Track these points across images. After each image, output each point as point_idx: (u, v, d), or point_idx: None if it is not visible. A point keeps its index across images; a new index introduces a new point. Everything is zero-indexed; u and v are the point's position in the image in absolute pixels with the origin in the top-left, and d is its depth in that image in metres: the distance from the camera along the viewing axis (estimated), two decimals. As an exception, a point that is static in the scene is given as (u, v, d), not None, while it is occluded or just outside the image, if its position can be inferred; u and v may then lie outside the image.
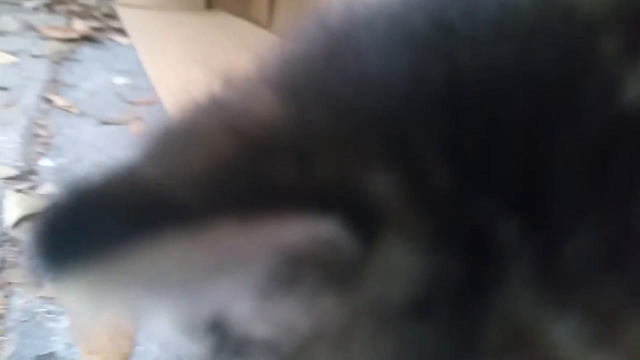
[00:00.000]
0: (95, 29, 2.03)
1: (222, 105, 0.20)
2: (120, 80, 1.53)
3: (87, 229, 0.15)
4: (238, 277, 0.18)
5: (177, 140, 0.19)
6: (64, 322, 0.62)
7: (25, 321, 0.62)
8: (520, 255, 0.16)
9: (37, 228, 0.15)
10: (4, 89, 1.34)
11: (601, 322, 0.15)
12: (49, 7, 2.38)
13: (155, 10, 2.32)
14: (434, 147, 0.17)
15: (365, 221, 0.16)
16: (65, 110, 1.27)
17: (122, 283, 0.16)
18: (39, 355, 0.58)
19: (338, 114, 0.18)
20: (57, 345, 0.60)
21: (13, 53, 1.63)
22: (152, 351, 0.60)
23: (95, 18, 2.22)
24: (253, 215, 0.15)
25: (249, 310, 0.19)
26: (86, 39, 1.91)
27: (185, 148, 0.18)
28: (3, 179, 0.90)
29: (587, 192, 0.16)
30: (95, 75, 1.56)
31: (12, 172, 0.93)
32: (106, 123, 1.22)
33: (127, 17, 2.18)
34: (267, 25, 2.09)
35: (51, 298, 0.66)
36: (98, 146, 1.10)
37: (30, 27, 1.99)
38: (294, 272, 0.18)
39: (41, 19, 2.14)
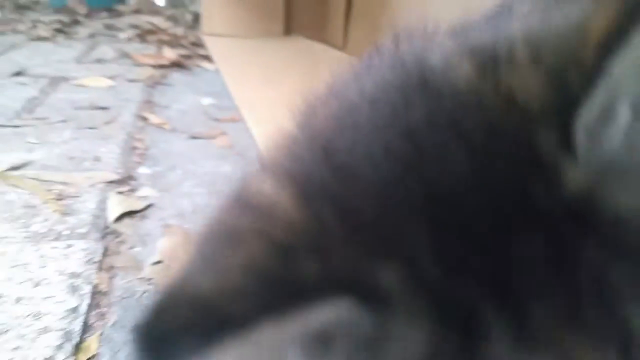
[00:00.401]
0: (183, 56, 2.19)
1: (253, 209, 0.23)
2: (207, 100, 1.65)
3: (167, 345, 0.19)
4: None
5: (218, 246, 0.23)
6: (160, 300, 0.71)
7: (125, 298, 0.71)
8: (500, 325, 0.20)
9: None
10: (104, 108, 1.48)
11: None
12: (141, 37, 2.58)
13: (238, 37, 2.46)
14: (423, 241, 0.21)
15: (376, 302, 0.20)
16: (159, 126, 1.39)
17: None
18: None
19: (343, 214, 0.22)
20: (155, 318, 0.68)
21: (110, 78, 1.80)
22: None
23: (183, 46, 2.38)
24: (288, 312, 0.19)
25: None
26: (176, 65, 2.07)
27: (225, 255, 0.22)
28: (106, 182, 1.01)
29: (546, 270, 0.20)
30: (185, 97, 1.69)
31: (114, 177, 1.04)
32: (195, 137, 1.33)
33: (213, 45, 2.33)
34: (342, 47, 2.17)
35: (149, 279, 0.74)
36: (188, 156, 1.20)
37: (125, 55, 2.17)
38: (326, 348, 0.21)
39: (135, 48, 2.34)
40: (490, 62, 0.22)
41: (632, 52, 0.19)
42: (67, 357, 0.58)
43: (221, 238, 0.23)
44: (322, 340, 0.21)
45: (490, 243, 0.21)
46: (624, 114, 0.21)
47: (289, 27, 2.52)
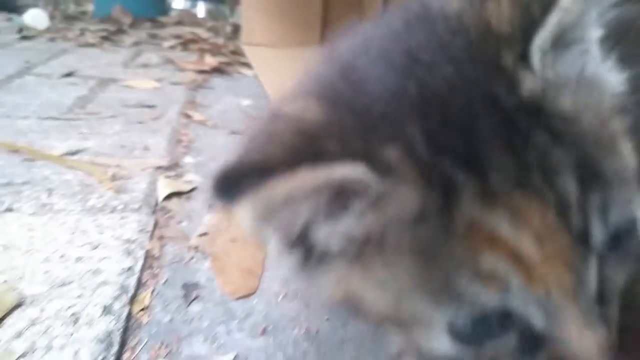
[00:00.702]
0: (224, 63, 2.28)
1: (286, 114, 0.32)
2: (245, 102, 1.73)
3: (232, 187, 0.27)
4: (315, 204, 0.30)
5: (261, 137, 0.31)
6: (205, 264, 0.77)
7: (175, 262, 0.77)
8: (469, 188, 0.28)
9: (218, 179, 0.27)
10: (151, 106, 1.57)
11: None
12: (184, 46, 2.70)
13: (275, 47, 2.55)
14: (417, 130, 0.29)
15: (382, 171, 0.28)
16: (202, 123, 1.47)
17: (264, 209, 0.29)
18: (185, 283, 0.72)
19: (357, 112, 0.30)
20: (200, 278, 0.74)
21: (156, 80, 1.90)
22: (272, 288, 0.73)
23: (223, 54, 2.48)
24: (317, 166, 0.27)
25: (324, 230, 0.32)
26: (216, 71, 2.16)
27: (268, 142, 0.30)
28: (155, 168, 1.08)
29: (504, 148, 0.28)
30: (225, 98, 1.77)
31: (162, 163, 1.11)
32: (235, 133, 1.41)
33: (251, 53, 2.42)
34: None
35: (195, 247, 0.81)
36: (229, 149, 1.27)
37: (169, 61, 2.28)
38: (345, 201, 0.30)
39: (177, 55, 2.44)
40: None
41: (558, 15, 0.28)
42: (123, 307, 0.65)
43: (262, 133, 0.31)
44: (341, 195, 0.29)
45: (465, 130, 0.29)
46: (568, 39, 0.29)
47: (325, 38, 2.60)
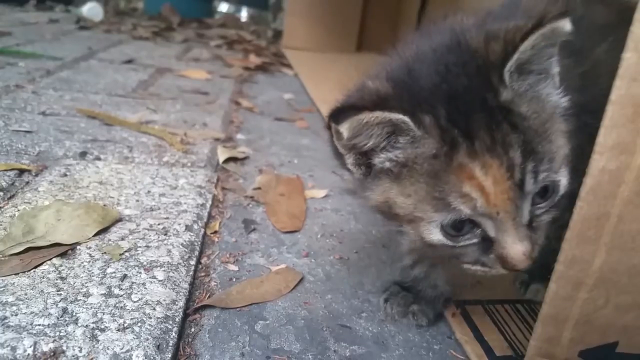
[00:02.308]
0: (266, 62, 2.48)
1: (366, 89, 0.53)
2: (287, 95, 1.93)
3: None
4: (380, 134, 0.51)
5: (355, 95, 0.54)
6: (260, 209, 0.96)
7: (235, 205, 0.96)
8: (462, 141, 0.48)
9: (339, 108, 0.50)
10: (204, 93, 1.78)
11: None
12: (229, 45, 2.91)
13: (314, 51, 2.76)
14: (441, 106, 0.50)
15: (419, 124, 0.49)
16: (249, 110, 1.66)
17: (354, 128, 0.50)
18: (245, 219, 0.91)
19: (411, 95, 0.51)
20: (256, 218, 0.92)
21: (208, 72, 2.11)
22: (313, 229, 0.91)
23: (266, 55, 2.69)
24: (384, 111, 0.49)
25: (382, 156, 0.53)
26: (260, 68, 2.36)
27: (359, 97, 0.53)
28: (214, 139, 1.28)
29: (486, 124, 0.49)
30: (269, 92, 1.97)
31: (220, 135, 1.31)
32: (279, 119, 1.60)
33: (292, 55, 2.63)
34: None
35: (250, 197, 1.00)
36: (274, 131, 1.46)
37: (217, 58, 2.49)
38: (396, 138, 0.51)
39: (224, 53, 2.65)
40: (489, 39, 0.51)
41: (529, 41, 0.48)
42: (200, 228, 0.84)
43: (354, 93, 0.54)
44: (394, 134, 0.50)
45: (467, 115, 0.49)
46: (527, 69, 0.51)
47: (361, 45, 2.81)
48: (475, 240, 0.52)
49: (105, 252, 0.72)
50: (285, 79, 2.29)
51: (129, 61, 2.14)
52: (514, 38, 0.48)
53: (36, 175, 0.95)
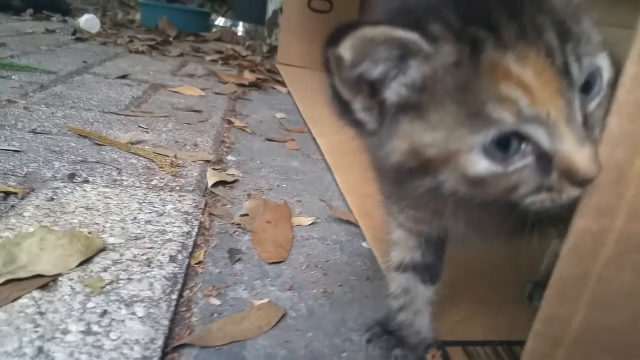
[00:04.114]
0: (261, 79, 2.49)
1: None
2: (280, 115, 1.93)
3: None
4: (387, 58, 0.44)
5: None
6: (246, 237, 0.96)
7: (222, 233, 0.96)
8: (486, 40, 0.41)
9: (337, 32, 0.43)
10: (198, 111, 1.78)
11: None
12: (224, 61, 2.91)
13: (308, 69, 2.77)
14: (451, 13, 0.43)
15: (429, 37, 0.43)
16: (242, 129, 1.66)
17: (357, 46, 0.43)
18: (231, 249, 0.90)
19: (411, 13, 0.45)
20: (242, 247, 0.92)
21: (201, 89, 2.11)
22: (298, 260, 0.91)
23: (260, 72, 2.70)
24: (389, 28, 0.43)
25: (394, 87, 0.45)
26: (254, 85, 2.37)
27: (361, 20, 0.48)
28: (204, 161, 1.28)
29: (507, 15, 0.42)
30: (262, 110, 1.97)
31: (210, 158, 1.31)
32: (270, 140, 1.60)
33: (286, 72, 2.64)
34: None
35: (238, 224, 0.99)
36: (265, 153, 1.47)
37: (212, 74, 2.49)
38: (406, 61, 0.44)
39: (219, 69, 2.66)
40: None
41: None
42: (184, 258, 0.83)
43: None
44: (404, 57, 0.44)
45: (483, 8, 0.43)
46: None
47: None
48: (529, 160, 0.42)
49: (87, 285, 0.72)
50: (278, 96, 2.30)
51: (124, 76, 2.14)
52: None
53: (22, 198, 0.94)
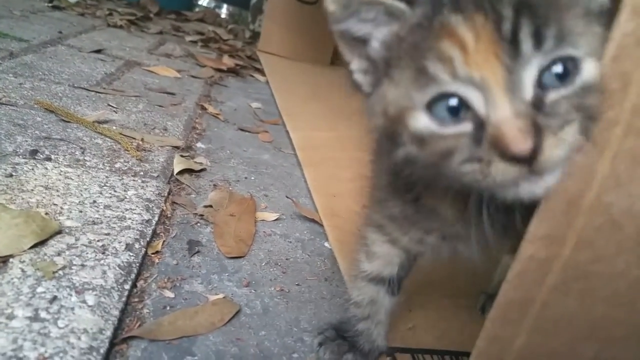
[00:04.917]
0: (239, 65, 2.46)
1: None
2: (255, 104, 1.92)
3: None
4: (372, 11, 0.46)
5: None
6: (207, 229, 0.95)
7: (183, 223, 0.95)
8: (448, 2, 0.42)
9: None
10: (171, 93, 1.75)
11: None
12: (204, 43, 2.88)
13: (289, 59, 2.75)
14: None
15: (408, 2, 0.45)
16: (214, 116, 1.65)
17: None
18: (190, 240, 0.89)
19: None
20: (202, 239, 0.91)
21: (177, 71, 2.08)
22: (258, 256, 0.91)
23: (240, 57, 2.67)
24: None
25: (376, 40, 0.48)
26: (232, 71, 2.34)
27: None
28: (172, 146, 1.26)
29: None
30: (237, 98, 1.96)
31: (178, 144, 1.29)
32: (243, 130, 1.59)
33: (266, 60, 2.61)
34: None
35: (200, 215, 0.99)
36: (236, 142, 1.45)
37: (190, 55, 2.46)
38: (390, 16, 0.46)
39: (198, 51, 2.62)
40: None
41: None
42: (141, 247, 0.82)
43: None
44: (389, 11, 0.46)
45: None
46: None
47: (336, 59, 2.81)
48: (467, 127, 0.42)
49: (38, 269, 0.70)
50: (256, 85, 2.28)
51: (99, 50, 2.09)
52: None
53: (-21, 172, 0.92)
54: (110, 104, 1.48)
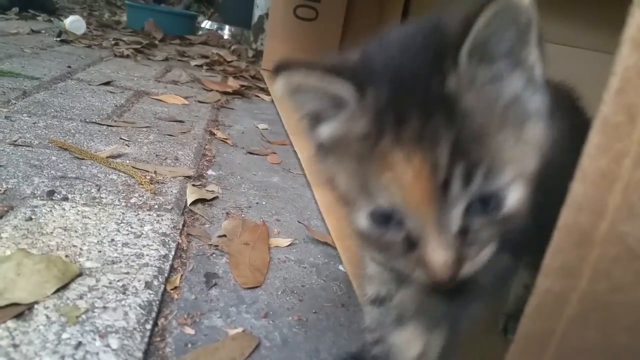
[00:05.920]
0: (244, 86, 2.49)
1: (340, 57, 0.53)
2: (262, 125, 1.94)
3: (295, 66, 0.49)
4: (320, 100, 0.49)
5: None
6: (223, 260, 0.96)
7: (199, 255, 0.96)
8: (393, 128, 0.44)
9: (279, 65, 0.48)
10: (180, 121, 1.78)
11: None
12: (209, 66, 2.91)
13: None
14: (385, 92, 0.46)
15: (360, 99, 0.47)
16: (223, 141, 1.67)
17: (290, 86, 0.49)
18: (207, 273, 0.91)
19: (370, 68, 0.48)
20: (219, 270, 0.93)
21: (185, 97, 2.10)
22: (274, 284, 0.92)
23: (245, 78, 2.69)
24: (326, 75, 0.47)
25: (325, 129, 0.51)
26: (238, 93, 2.37)
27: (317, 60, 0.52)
28: (184, 176, 1.28)
29: (428, 106, 0.44)
30: (244, 120, 1.98)
31: (190, 173, 1.31)
32: (251, 153, 1.61)
33: (270, 79, 2.64)
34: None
35: (215, 246, 1.00)
36: (245, 167, 1.47)
37: (196, 80, 2.48)
38: (338, 105, 0.49)
39: (203, 75, 2.65)
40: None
41: (483, 18, 0.43)
42: (160, 284, 0.84)
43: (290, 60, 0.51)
44: (336, 105, 0.48)
45: (408, 99, 0.45)
46: (487, 55, 0.46)
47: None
48: (401, 237, 0.47)
49: (62, 314, 0.72)
50: (261, 105, 2.30)
51: (107, 83, 2.12)
52: (470, 16, 0.43)
53: (1, 217, 0.94)
54: (122, 137, 1.50)
